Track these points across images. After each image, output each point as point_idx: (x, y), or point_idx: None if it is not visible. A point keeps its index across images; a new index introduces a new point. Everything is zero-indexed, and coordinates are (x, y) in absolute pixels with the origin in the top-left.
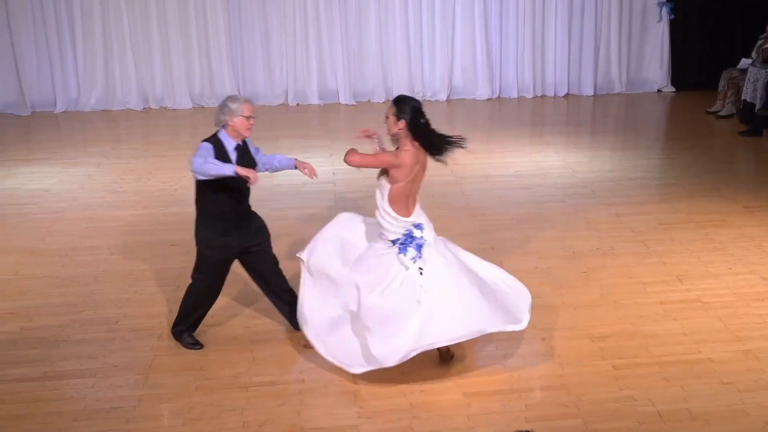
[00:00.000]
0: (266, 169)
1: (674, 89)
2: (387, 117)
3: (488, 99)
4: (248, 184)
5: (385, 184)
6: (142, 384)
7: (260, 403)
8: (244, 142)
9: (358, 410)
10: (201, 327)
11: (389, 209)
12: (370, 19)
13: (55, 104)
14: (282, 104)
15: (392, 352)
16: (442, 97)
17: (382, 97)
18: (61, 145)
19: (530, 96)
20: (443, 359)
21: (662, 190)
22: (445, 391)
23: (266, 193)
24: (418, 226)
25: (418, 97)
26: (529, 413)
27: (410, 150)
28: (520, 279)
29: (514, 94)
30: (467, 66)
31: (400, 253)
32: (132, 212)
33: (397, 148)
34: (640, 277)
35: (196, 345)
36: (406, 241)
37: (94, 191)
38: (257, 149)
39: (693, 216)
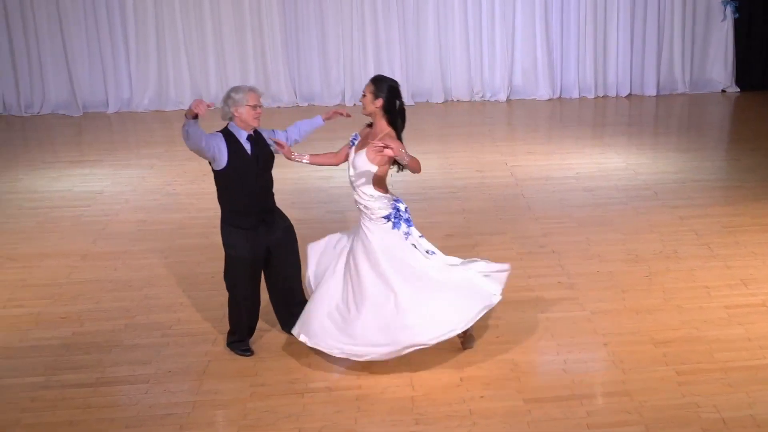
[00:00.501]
0: (294, 141)
1: (739, 89)
2: (364, 95)
3: (549, 99)
4: (203, 112)
5: (371, 167)
6: (196, 390)
7: (316, 410)
8: (256, 131)
9: (417, 417)
10: (256, 333)
11: (373, 191)
12: (429, 18)
13: (108, 105)
14: (339, 104)
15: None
16: (502, 97)
17: (440, 97)
18: (114, 147)
19: (592, 96)
20: (466, 345)
21: (726, 193)
22: (506, 398)
23: (323, 195)
24: (398, 200)
25: (477, 97)
26: (591, 420)
27: (390, 129)
28: (582, 283)
29: (576, 95)
30: (528, 66)
31: (393, 228)
32: (186, 215)
33: (370, 125)
34: (703, 281)
35: (247, 351)
36: (397, 216)
37: (147, 193)
38: (273, 131)
39: (758, 219)
